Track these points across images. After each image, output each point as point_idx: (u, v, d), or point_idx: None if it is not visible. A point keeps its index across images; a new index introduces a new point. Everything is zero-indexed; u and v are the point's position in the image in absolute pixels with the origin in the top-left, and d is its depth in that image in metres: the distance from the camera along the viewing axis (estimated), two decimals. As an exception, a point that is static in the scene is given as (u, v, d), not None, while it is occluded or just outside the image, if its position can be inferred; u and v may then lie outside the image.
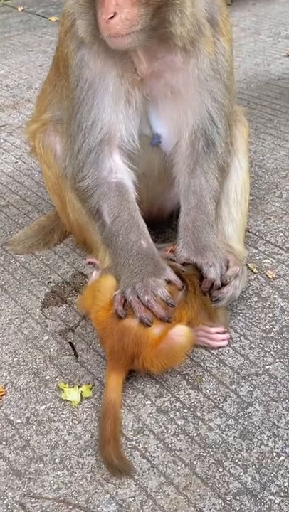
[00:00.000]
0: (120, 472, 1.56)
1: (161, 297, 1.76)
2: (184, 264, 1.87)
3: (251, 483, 1.51)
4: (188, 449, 1.61)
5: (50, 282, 2.26)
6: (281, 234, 2.38)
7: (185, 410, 1.72)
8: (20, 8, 5.56)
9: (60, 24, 1.99)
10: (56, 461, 1.62)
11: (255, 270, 2.20)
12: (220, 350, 1.89)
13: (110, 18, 1.66)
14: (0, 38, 4.86)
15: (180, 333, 1.72)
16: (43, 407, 1.77)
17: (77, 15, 1.82)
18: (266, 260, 2.25)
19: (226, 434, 1.64)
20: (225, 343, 1.91)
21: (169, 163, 2.03)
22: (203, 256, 1.87)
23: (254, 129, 3.15)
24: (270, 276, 2.16)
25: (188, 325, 1.78)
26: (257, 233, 2.40)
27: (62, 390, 1.80)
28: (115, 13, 1.66)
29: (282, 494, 1.48)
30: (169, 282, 1.80)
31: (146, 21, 1.71)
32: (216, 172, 2.01)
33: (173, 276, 1.81)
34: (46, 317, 2.10)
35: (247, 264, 2.23)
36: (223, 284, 1.88)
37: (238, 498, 1.48)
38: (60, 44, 1.98)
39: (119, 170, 1.95)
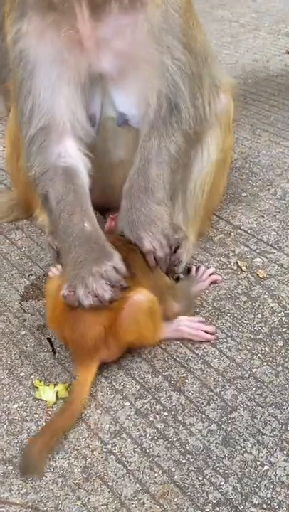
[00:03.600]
0: (29, 470, 1.46)
1: (111, 283, 1.65)
2: (121, 236, 1.76)
3: (232, 494, 1.42)
4: (166, 454, 1.52)
5: (31, 275, 2.16)
6: (274, 232, 2.29)
7: (165, 413, 1.62)
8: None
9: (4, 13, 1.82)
10: (26, 463, 1.52)
11: (244, 268, 2.11)
12: (205, 351, 1.80)
13: None
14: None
15: (141, 297, 1.64)
16: (16, 405, 1.68)
17: None
18: (257, 259, 2.16)
19: (208, 440, 1.54)
20: (210, 337, 1.81)
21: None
22: (134, 228, 1.75)
23: (250, 125, 3.07)
24: (261, 276, 2.07)
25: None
26: (249, 231, 2.30)
27: (37, 388, 1.71)
28: None
29: (264, 506, 1.39)
30: (115, 270, 1.68)
31: None
32: (176, 137, 1.83)
33: (120, 264, 1.69)
34: (25, 311, 2.00)
35: (237, 262, 2.14)
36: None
37: (217, 509, 1.39)
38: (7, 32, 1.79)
39: (68, 154, 1.81)
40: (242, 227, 2.33)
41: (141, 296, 1.66)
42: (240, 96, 3.36)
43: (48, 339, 1.86)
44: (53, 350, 1.83)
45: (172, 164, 1.83)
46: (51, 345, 1.85)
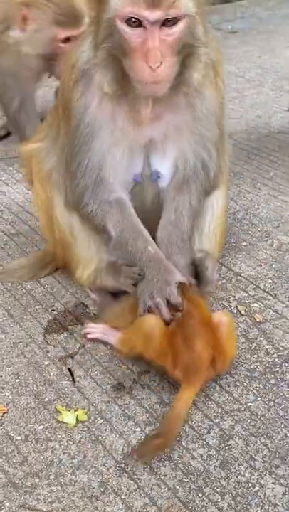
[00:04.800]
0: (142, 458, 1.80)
1: (173, 303, 2.01)
2: None
3: (227, 510, 1.66)
4: (172, 474, 1.77)
5: (54, 310, 2.42)
6: (270, 280, 2.56)
7: (171, 439, 1.88)
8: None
9: (67, 75, 2.20)
10: (51, 477, 1.77)
11: (243, 312, 2.38)
12: (207, 385, 2.05)
13: (157, 67, 1.89)
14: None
15: (226, 316, 2.04)
16: (41, 426, 1.93)
17: (95, 67, 2.05)
18: (255, 304, 2.43)
19: (207, 463, 1.79)
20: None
21: (162, 194, 2.26)
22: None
23: (252, 178, 3.37)
24: (258, 320, 2.34)
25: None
26: (248, 278, 2.58)
27: (60, 412, 1.96)
28: (161, 62, 1.89)
29: (254, 521, 1.63)
30: (179, 284, 2.05)
31: (177, 69, 1.97)
32: (201, 195, 2.26)
33: (182, 278, 2.08)
34: (48, 343, 2.26)
35: (237, 306, 2.41)
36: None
37: (214, 522, 1.64)
38: (66, 91, 2.19)
39: (115, 189, 2.18)
40: (242, 274, 2.60)
41: (226, 316, 2.04)
42: (243, 151, 3.69)
43: (69, 369, 2.12)
44: (73, 379, 2.08)
45: (195, 215, 2.26)
46: (71, 374, 2.10)
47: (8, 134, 3.91)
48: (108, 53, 1.99)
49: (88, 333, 2.23)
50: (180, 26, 1.91)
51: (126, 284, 2.18)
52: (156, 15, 1.85)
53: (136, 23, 1.88)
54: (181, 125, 2.13)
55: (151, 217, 2.28)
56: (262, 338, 2.25)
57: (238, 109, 4.30)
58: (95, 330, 2.23)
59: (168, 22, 1.88)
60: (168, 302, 2.01)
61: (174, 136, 2.14)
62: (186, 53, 1.96)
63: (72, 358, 2.17)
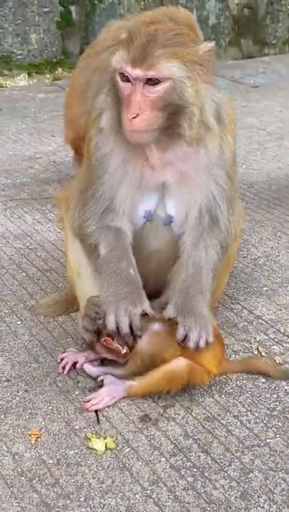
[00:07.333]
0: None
1: (134, 326, 2.16)
2: (169, 319, 2.24)
3: (247, 538, 1.76)
4: (195, 502, 1.87)
5: (83, 343, 2.56)
6: (289, 325, 2.70)
7: (194, 470, 1.98)
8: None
9: (91, 113, 2.43)
10: (81, 499, 1.88)
11: (264, 354, 2.50)
12: (228, 421, 2.17)
13: (133, 117, 2.10)
14: (50, 117, 5.38)
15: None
16: (72, 452, 2.04)
17: (104, 109, 2.28)
18: (275, 347, 2.55)
19: (229, 494, 1.90)
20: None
21: (177, 239, 2.38)
22: (185, 317, 2.21)
23: (272, 227, 3.53)
24: (278, 361, 2.46)
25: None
26: (268, 321, 2.71)
27: (90, 439, 2.08)
28: (138, 114, 2.11)
29: None
30: (144, 314, 2.20)
31: (161, 123, 2.15)
32: (217, 247, 2.35)
33: (149, 310, 2.21)
34: (78, 374, 2.39)
35: (258, 348, 2.53)
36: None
37: None
38: (88, 129, 2.43)
39: (119, 219, 2.34)
40: (263, 318, 2.74)
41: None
42: (264, 200, 3.87)
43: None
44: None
45: (215, 271, 2.34)
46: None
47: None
48: (112, 100, 2.23)
49: (92, 405, 2.20)
50: (164, 86, 2.10)
51: (85, 325, 2.25)
52: (135, 73, 2.10)
53: (126, 77, 2.13)
54: (190, 173, 2.28)
55: (166, 264, 2.41)
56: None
57: (260, 160, 4.50)
58: (98, 399, 2.21)
59: (150, 81, 2.10)
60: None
61: (185, 183, 2.30)
62: (173, 111, 2.14)
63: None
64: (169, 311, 2.24)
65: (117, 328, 2.17)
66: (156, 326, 2.23)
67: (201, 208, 2.31)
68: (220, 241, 2.36)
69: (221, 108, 2.28)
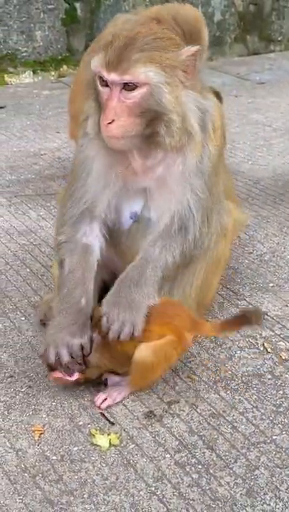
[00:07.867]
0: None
1: (74, 356, 2.13)
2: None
3: (253, 536, 1.74)
4: (200, 499, 1.85)
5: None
6: (296, 321, 2.67)
7: (200, 466, 1.96)
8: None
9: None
10: (85, 496, 1.86)
11: (270, 350, 2.48)
12: (234, 418, 2.14)
13: (109, 123, 2.08)
14: (55, 113, 5.36)
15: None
16: (76, 448, 2.02)
17: (90, 114, 2.26)
18: (281, 343, 2.53)
19: (234, 491, 1.87)
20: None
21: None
22: (110, 309, 2.16)
23: (278, 223, 3.50)
24: (283, 358, 2.43)
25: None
26: (274, 317, 2.68)
27: (94, 435, 2.06)
28: (113, 120, 2.08)
29: None
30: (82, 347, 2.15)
31: (140, 129, 2.12)
32: (175, 252, 2.25)
33: (87, 345, 2.16)
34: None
35: (264, 344, 2.51)
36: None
37: None
38: (78, 132, 2.41)
39: (92, 235, 2.32)
40: (269, 314, 2.71)
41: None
42: (270, 196, 3.84)
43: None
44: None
45: (165, 272, 2.26)
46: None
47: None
48: (96, 104, 2.21)
49: (102, 401, 2.19)
50: (140, 92, 2.06)
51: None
52: (111, 77, 2.06)
53: (104, 82, 2.10)
54: (168, 181, 2.25)
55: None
56: (287, 376, 2.34)
57: (266, 156, 4.47)
58: (106, 395, 2.21)
59: (127, 86, 2.06)
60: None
61: (163, 189, 2.27)
62: (151, 117, 2.11)
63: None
64: (103, 305, 2.21)
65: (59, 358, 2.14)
66: (95, 336, 2.20)
67: (174, 216, 2.27)
68: (182, 250, 2.27)
69: (206, 115, 2.24)
